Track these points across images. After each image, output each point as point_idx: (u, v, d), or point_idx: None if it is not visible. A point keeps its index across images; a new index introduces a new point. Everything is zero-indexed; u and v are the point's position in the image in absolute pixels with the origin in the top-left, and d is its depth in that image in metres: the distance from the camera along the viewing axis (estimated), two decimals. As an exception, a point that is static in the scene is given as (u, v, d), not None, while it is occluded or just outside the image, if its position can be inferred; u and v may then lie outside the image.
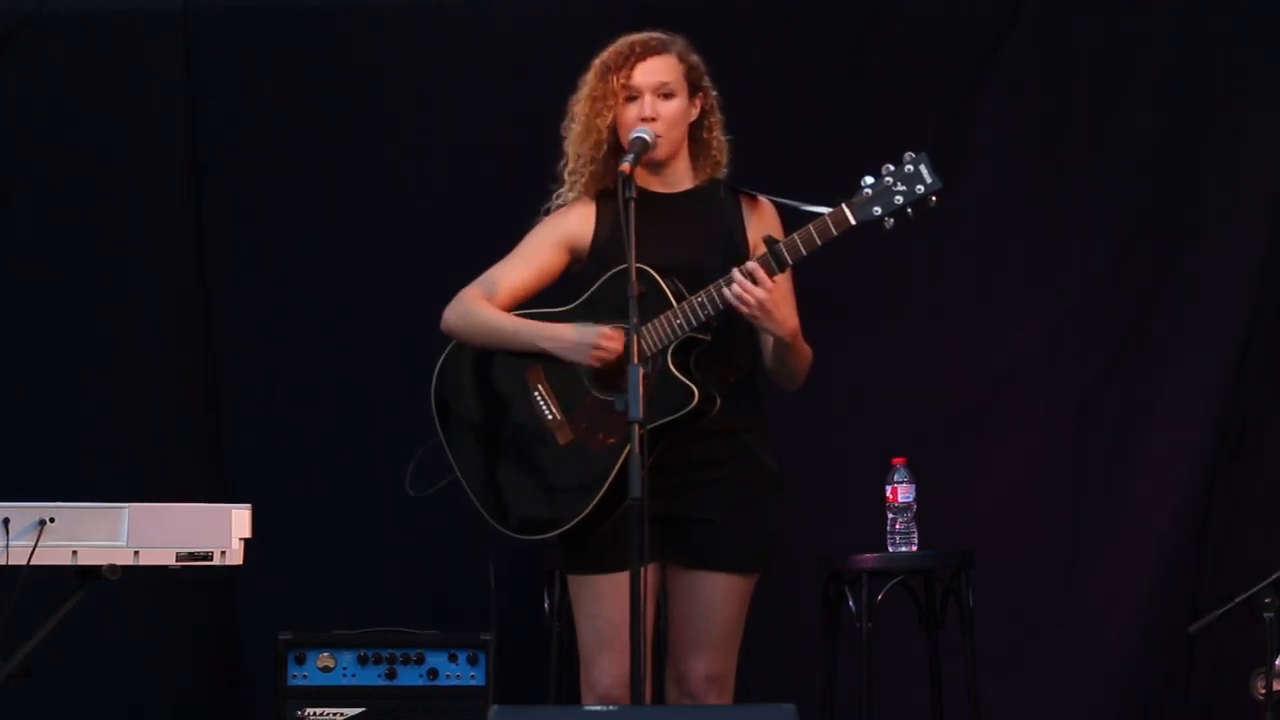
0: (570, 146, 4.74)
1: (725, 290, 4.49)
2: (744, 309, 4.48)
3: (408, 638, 5.87)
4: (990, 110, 6.42)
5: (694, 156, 4.76)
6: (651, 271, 4.54)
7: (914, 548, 5.87)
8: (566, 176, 4.77)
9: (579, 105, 4.72)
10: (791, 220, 4.64)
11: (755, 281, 4.48)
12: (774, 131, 6.32)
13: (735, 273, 4.49)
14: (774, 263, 4.48)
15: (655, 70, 4.68)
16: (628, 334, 4.38)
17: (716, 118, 4.76)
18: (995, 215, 6.41)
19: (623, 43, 4.72)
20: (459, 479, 4.75)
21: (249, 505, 4.93)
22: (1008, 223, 6.41)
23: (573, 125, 4.73)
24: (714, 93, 4.77)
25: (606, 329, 4.57)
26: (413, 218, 6.53)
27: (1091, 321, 6.36)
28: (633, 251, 4.38)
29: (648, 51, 4.70)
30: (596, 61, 4.73)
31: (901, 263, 6.38)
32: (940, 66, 6.44)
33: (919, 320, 6.41)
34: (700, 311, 4.54)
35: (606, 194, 4.72)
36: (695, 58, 4.75)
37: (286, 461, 6.50)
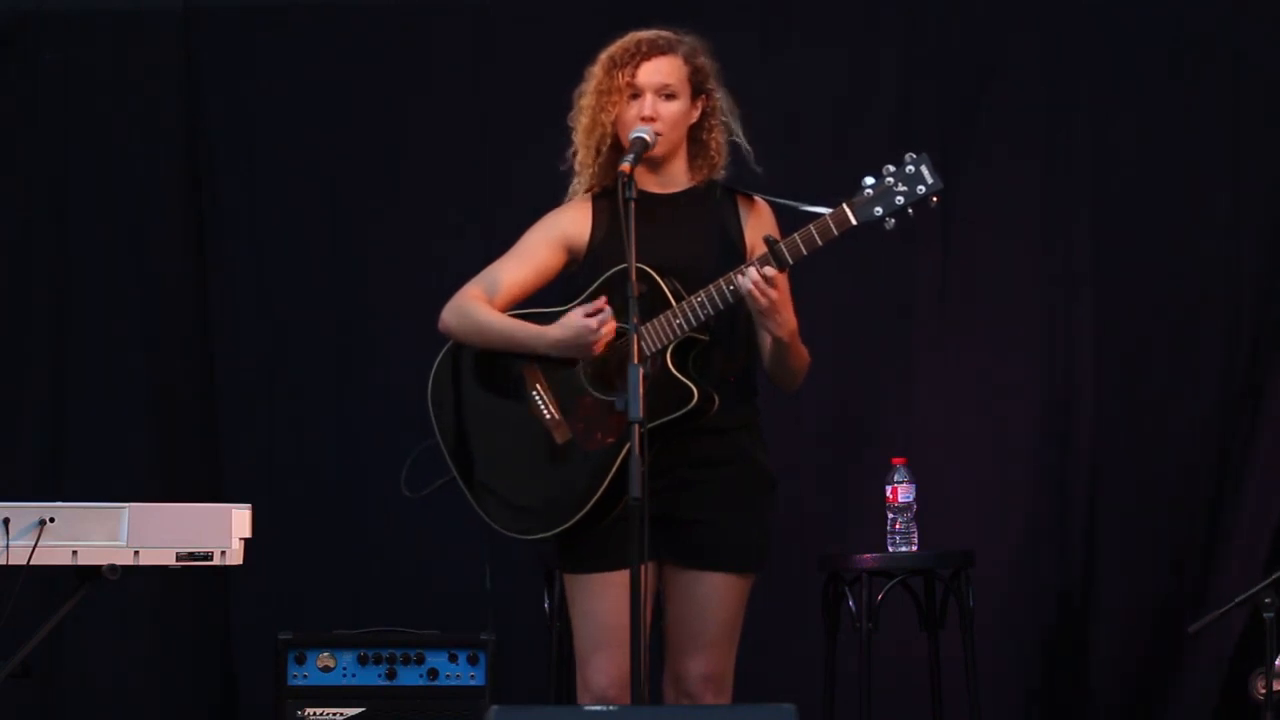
0: (578, 138, 4.73)
1: (739, 279, 4.48)
2: (762, 300, 4.46)
3: (408, 638, 5.87)
4: (995, 112, 6.42)
5: (691, 157, 4.74)
6: (651, 271, 4.53)
7: (914, 548, 5.87)
8: (576, 166, 4.76)
9: (585, 98, 4.71)
10: (791, 220, 4.64)
11: (767, 278, 4.47)
12: (775, 132, 6.32)
13: (749, 269, 4.48)
14: (774, 263, 4.48)
15: (659, 70, 4.67)
16: (628, 335, 4.37)
17: (718, 120, 4.74)
18: (1000, 216, 6.41)
19: (630, 39, 4.72)
20: (455, 479, 4.74)
21: (249, 505, 4.92)
22: (1013, 223, 6.41)
23: (580, 118, 4.72)
24: (720, 95, 4.75)
25: (590, 315, 4.55)
26: (413, 217, 6.53)
27: (1096, 322, 6.35)
28: (633, 251, 4.38)
29: (653, 51, 4.69)
30: (604, 55, 4.72)
31: (906, 262, 6.38)
32: (944, 70, 6.44)
33: (921, 319, 6.41)
34: (700, 311, 4.54)
35: (603, 193, 4.72)
36: (704, 60, 4.73)
37: (286, 462, 6.50)
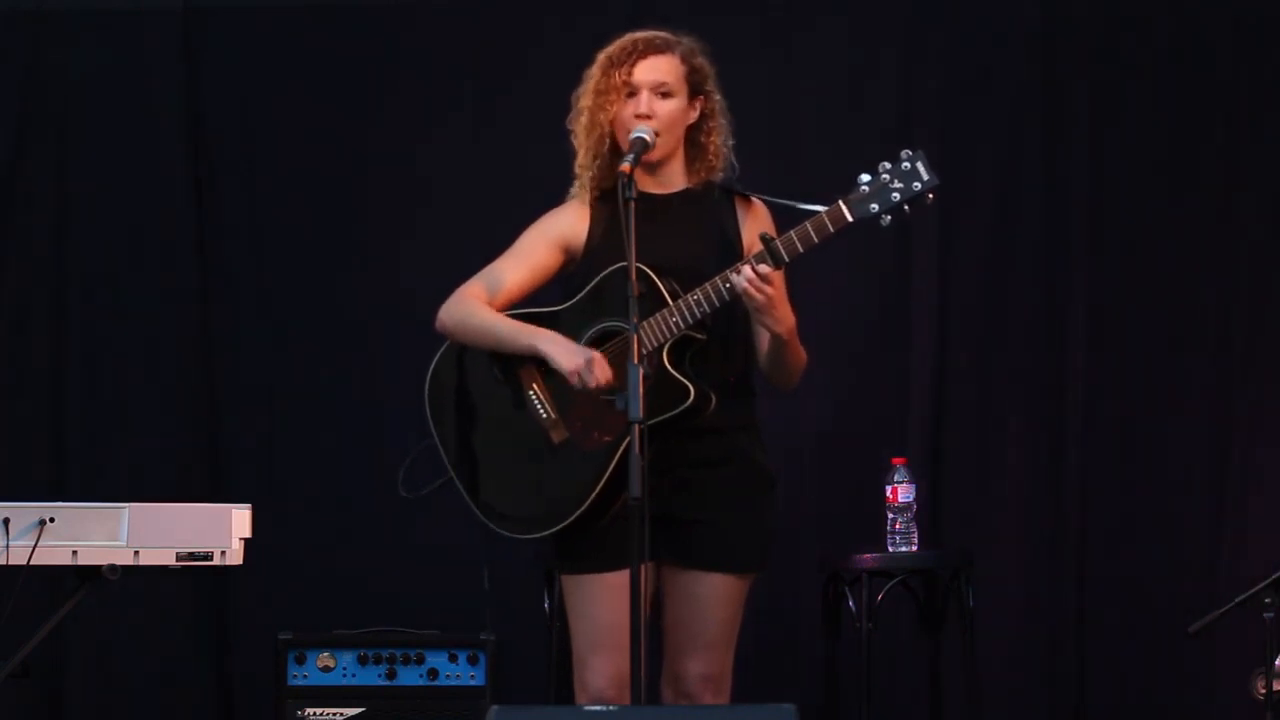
0: (577, 140, 4.73)
1: (734, 277, 4.47)
2: (758, 297, 4.46)
3: (408, 638, 5.87)
4: (994, 110, 6.42)
5: (689, 159, 4.74)
6: (649, 271, 4.53)
7: (914, 548, 5.87)
8: (576, 168, 4.76)
9: (584, 99, 4.72)
10: (787, 219, 4.63)
11: (762, 276, 4.47)
12: (774, 132, 6.32)
13: (745, 266, 4.47)
14: (770, 260, 4.48)
15: (655, 69, 4.67)
16: (627, 334, 4.36)
17: (717, 123, 4.74)
18: (1000, 215, 6.41)
19: (627, 39, 4.72)
20: (452, 479, 4.74)
21: (249, 505, 4.92)
22: (1013, 222, 6.41)
23: (579, 119, 4.72)
24: (718, 97, 4.75)
25: (602, 359, 4.56)
26: (412, 217, 6.54)
27: (1096, 321, 6.35)
28: (633, 251, 4.38)
29: (650, 49, 4.69)
30: (601, 56, 4.72)
31: (904, 260, 6.38)
32: (944, 69, 6.44)
33: (919, 318, 6.40)
34: (697, 309, 4.53)
35: (601, 194, 4.72)
36: (701, 60, 4.73)
37: (286, 462, 6.50)
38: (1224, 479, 6.26)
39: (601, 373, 4.55)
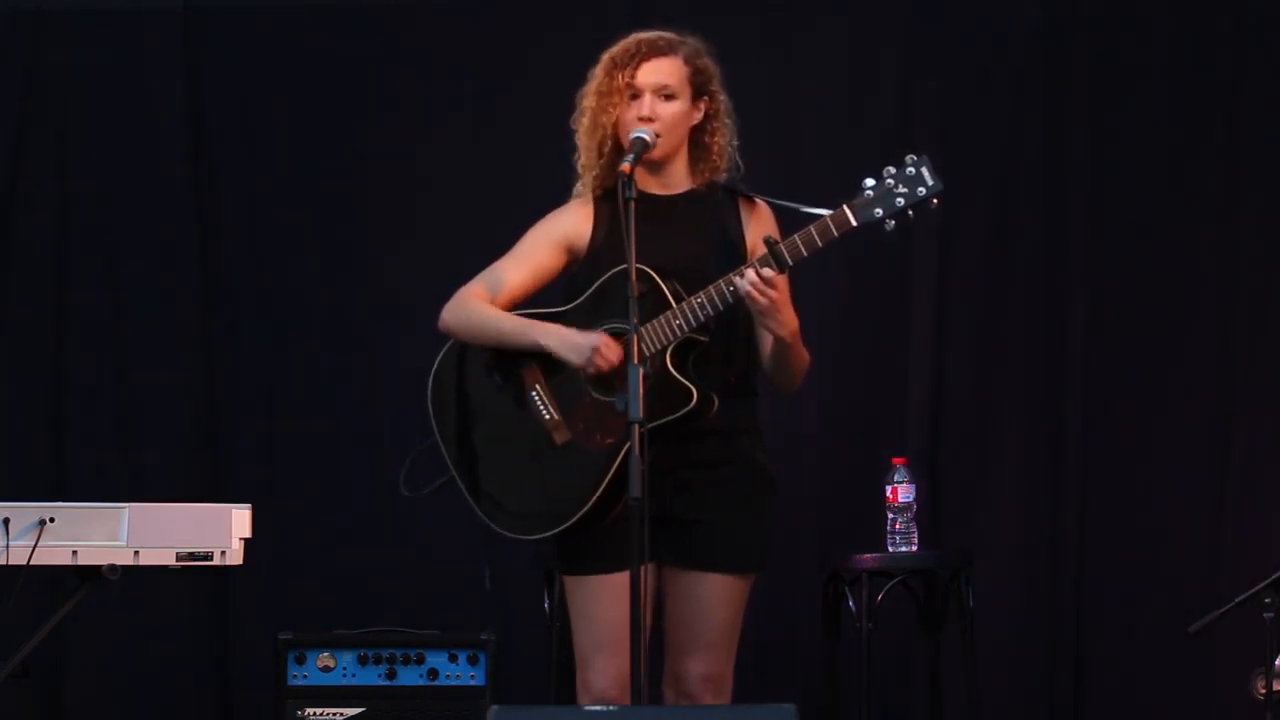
0: (580, 140, 4.74)
1: (738, 281, 4.47)
2: (761, 300, 4.46)
3: (408, 638, 5.87)
4: (995, 112, 6.43)
5: (693, 160, 4.74)
6: (651, 272, 4.53)
7: (914, 548, 5.88)
8: (579, 169, 4.76)
9: (587, 100, 4.72)
10: (791, 222, 4.64)
11: (766, 279, 4.47)
12: (774, 132, 6.31)
13: (749, 270, 4.48)
14: (774, 264, 4.48)
15: (658, 71, 4.67)
16: (628, 335, 4.37)
17: (721, 123, 4.74)
18: (1000, 215, 6.41)
19: (631, 40, 4.72)
20: (454, 479, 4.74)
21: (249, 505, 4.93)
22: (1013, 222, 6.41)
23: (582, 119, 4.73)
24: (724, 98, 4.75)
25: (608, 339, 4.56)
26: (412, 217, 6.54)
27: (1096, 321, 6.35)
28: (633, 251, 4.38)
29: (653, 51, 4.69)
30: (605, 56, 4.72)
31: (904, 262, 6.38)
32: (945, 70, 6.44)
33: (921, 319, 6.41)
34: (700, 312, 4.53)
35: (605, 194, 4.72)
36: (705, 61, 4.73)
37: (286, 462, 6.50)
38: (1224, 479, 6.27)
39: (611, 352, 4.55)
